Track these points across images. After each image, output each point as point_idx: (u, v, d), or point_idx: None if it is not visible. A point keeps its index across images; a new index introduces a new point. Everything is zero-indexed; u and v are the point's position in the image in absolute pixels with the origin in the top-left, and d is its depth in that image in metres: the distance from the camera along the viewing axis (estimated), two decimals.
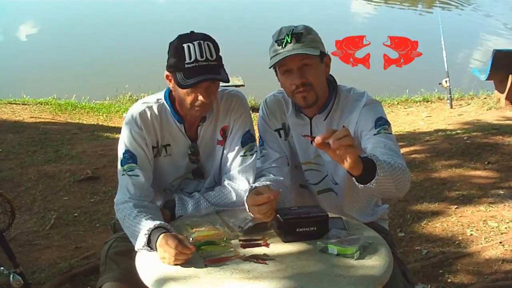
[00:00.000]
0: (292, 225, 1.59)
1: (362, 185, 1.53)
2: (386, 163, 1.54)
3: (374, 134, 1.78)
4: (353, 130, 1.86)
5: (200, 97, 1.73)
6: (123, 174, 1.77)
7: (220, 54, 1.76)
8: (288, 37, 1.79)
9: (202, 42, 1.70)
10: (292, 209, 1.67)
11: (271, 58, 1.84)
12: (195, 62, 1.69)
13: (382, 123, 1.80)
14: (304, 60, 1.80)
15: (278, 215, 1.63)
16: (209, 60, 1.70)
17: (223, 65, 1.76)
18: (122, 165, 1.78)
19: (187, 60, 1.69)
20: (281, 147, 1.99)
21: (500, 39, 11.16)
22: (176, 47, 1.73)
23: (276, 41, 1.83)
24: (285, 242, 1.59)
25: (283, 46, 1.80)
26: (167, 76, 1.79)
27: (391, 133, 1.81)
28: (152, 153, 1.84)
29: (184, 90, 1.73)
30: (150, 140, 1.82)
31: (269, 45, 1.87)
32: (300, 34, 1.80)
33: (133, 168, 1.76)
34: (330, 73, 1.94)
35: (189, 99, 1.75)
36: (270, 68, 1.85)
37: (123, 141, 1.80)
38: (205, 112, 1.84)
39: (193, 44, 1.69)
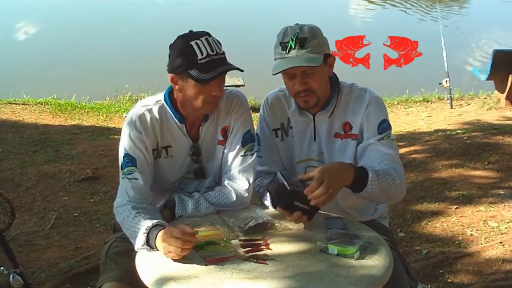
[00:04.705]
0: (294, 196, 1.63)
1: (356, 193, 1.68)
2: (379, 174, 1.68)
3: (378, 140, 1.84)
4: (358, 129, 1.90)
5: (214, 92, 1.75)
6: (123, 178, 1.78)
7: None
8: (292, 42, 1.78)
9: (208, 37, 1.74)
10: (299, 183, 1.70)
11: (275, 60, 1.84)
12: (208, 56, 1.71)
13: (385, 127, 1.87)
14: (306, 68, 1.80)
15: (285, 182, 1.67)
16: (219, 54, 1.74)
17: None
18: (122, 168, 1.79)
19: (200, 56, 1.70)
20: (278, 151, 2.02)
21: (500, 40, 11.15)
22: (183, 47, 1.73)
23: (280, 44, 1.82)
24: (275, 207, 1.67)
25: (287, 51, 1.79)
26: (172, 79, 1.79)
27: (393, 139, 1.88)
28: (152, 156, 1.84)
29: (196, 90, 1.74)
30: (149, 143, 1.82)
31: (269, 45, 1.87)
32: (305, 39, 1.78)
33: (133, 171, 1.77)
34: None
35: (201, 97, 1.76)
36: (274, 75, 1.84)
37: (123, 145, 1.81)
38: (215, 108, 1.85)
39: (201, 41, 1.72)
